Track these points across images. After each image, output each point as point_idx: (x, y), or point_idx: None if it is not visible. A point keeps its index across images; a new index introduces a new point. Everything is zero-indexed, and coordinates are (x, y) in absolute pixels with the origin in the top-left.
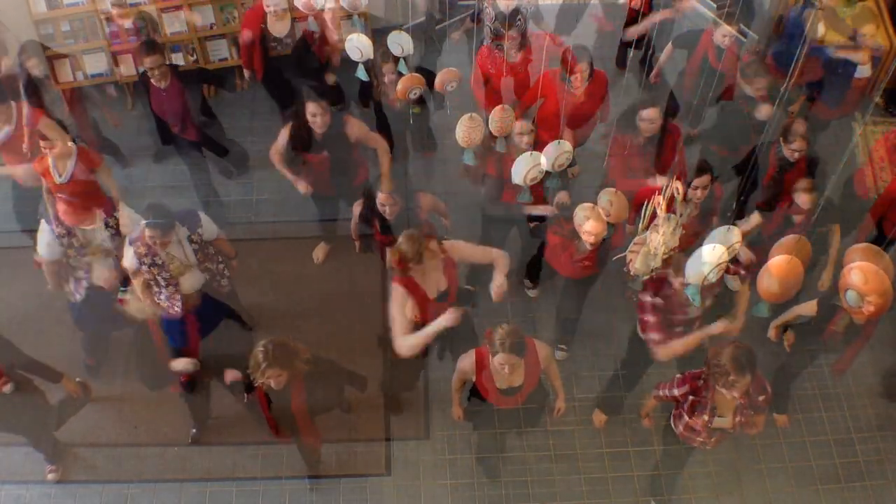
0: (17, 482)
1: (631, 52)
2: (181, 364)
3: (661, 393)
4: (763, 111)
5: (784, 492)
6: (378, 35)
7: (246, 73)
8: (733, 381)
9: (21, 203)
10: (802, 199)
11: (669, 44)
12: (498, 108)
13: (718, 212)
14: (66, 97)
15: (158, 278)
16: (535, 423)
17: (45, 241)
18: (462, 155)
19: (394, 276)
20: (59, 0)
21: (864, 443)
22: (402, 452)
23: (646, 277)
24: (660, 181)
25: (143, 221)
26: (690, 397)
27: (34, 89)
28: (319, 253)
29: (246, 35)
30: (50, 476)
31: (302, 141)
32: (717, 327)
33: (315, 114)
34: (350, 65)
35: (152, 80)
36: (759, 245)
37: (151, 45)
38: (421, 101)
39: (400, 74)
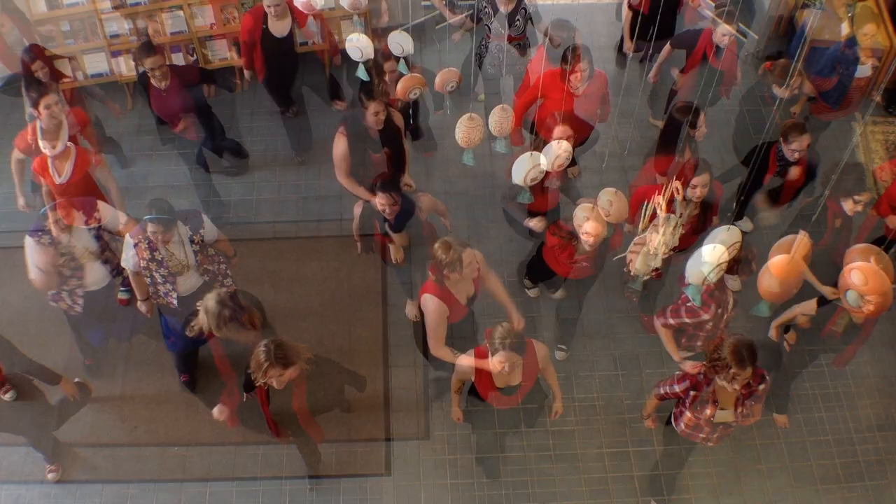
0: (17, 482)
1: (630, 54)
2: (221, 414)
3: (661, 391)
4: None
5: (784, 492)
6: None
7: (246, 73)
8: (735, 374)
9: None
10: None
11: (668, 43)
12: (497, 107)
13: (718, 211)
14: (66, 97)
15: (156, 274)
16: (535, 423)
17: (33, 259)
18: (462, 155)
19: (426, 285)
20: (59, 0)
21: (864, 443)
22: (402, 452)
23: (646, 277)
24: (659, 181)
25: (146, 217)
26: (692, 392)
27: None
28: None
29: (246, 35)
30: (50, 476)
31: (364, 142)
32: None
33: (377, 111)
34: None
35: (152, 81)
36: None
37: (151, 45)
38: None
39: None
